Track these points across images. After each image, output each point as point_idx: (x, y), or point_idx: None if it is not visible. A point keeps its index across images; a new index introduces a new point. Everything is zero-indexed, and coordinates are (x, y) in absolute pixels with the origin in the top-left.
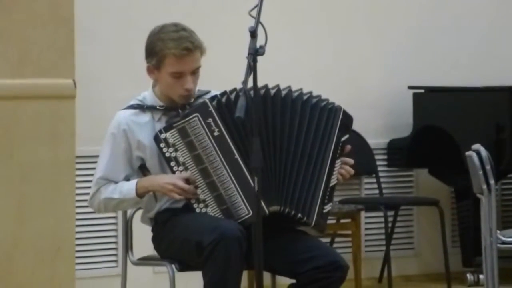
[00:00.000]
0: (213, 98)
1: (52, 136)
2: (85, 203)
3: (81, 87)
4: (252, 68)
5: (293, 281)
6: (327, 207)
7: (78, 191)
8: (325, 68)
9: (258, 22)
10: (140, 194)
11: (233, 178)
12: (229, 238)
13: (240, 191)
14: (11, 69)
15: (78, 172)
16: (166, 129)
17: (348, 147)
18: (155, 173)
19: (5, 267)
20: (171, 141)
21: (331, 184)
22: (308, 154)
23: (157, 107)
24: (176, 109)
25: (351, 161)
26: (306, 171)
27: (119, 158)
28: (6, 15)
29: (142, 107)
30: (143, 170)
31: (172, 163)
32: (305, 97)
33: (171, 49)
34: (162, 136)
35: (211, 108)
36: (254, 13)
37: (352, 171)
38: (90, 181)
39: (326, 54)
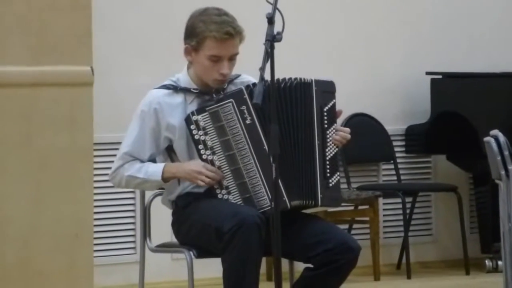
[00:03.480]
0: (248, 87)
1: (70, 123)
2: (103, 190)
3: (99, 74)
4: (269, 55)
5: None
6: (334, 179)
7: (96, 178)
8: (343, 55)
9: (275, 8)
10: (165, 178)
11: (259, 168)
12: (249, 224)
13: (265, 181)
14: (29, 56)
15: (95, 159)
16: (199, 111)
17: (339, 111)
18: (182, 155)
19: (23, 253)
20: (202, 124)
21: (329, 156)
22: (299, 136)
23: (191, 90)
24: (209, 93)
25: (346, 129)
26: (302, 154)
27: (146, 136)
28: (24, 2)
29: (175, 88)
30: (169, 151)
31: (200, 146)
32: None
33: (212, 31)
34: (194, 118)
35: (246, 96)
36: None
37: (347, 135)
38: (108, 168)
39: (344, 40)
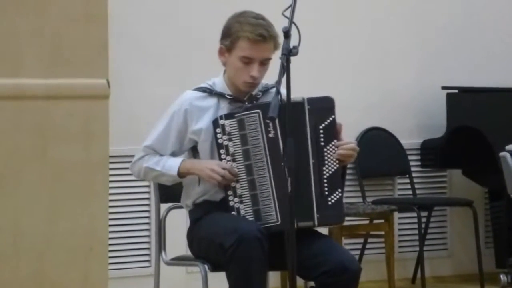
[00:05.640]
0: None
1: (86, 136)
2: (118, 203)
3: (115, 87)
4: (285, 69)
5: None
6: (334, 197)
7: (111, 191)
8: (358, 68)
9: (291, 22)
10: (180, 174)
11: (273, 183)
12: (249, 239)
13: (275, 197)
14: (44, 69)
15: (111, 172)
16: (227, 116)
17: (339, 124)
18: (204, 157)
19: (38, 266)
20: (228, 129)
21: (327, 174)
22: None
23: (226, 95)
24: (243, 101)
25: (348, 145)
26: (298, 175)
27: (171, 133)
28: (39, 14)
29: (211, 92)
30: (193, 151)
31: (222, 151)
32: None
33: (245, 32)
34: (221, 122)
35: None
36: (288, 13)
37: (351, 149)
38: (124, 180)
39: (359, 54)
